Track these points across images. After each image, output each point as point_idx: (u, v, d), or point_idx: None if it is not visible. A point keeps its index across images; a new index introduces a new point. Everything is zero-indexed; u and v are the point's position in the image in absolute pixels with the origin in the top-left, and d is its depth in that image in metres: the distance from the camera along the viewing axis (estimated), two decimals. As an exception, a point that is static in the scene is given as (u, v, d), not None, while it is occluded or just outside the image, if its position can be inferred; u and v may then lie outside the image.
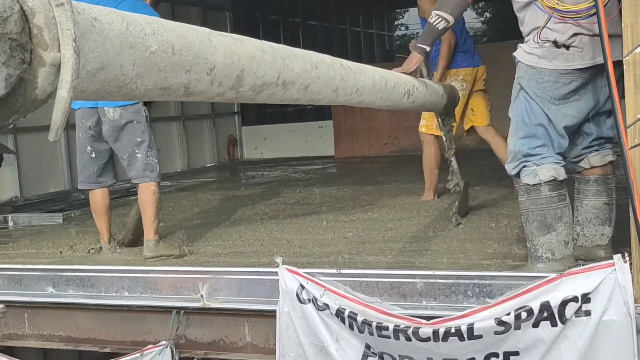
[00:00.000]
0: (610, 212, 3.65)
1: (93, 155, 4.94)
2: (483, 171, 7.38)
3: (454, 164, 5.17)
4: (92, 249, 5.10)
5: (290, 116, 13.26)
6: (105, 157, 4.95)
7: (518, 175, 3.57)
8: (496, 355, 3.26)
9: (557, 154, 3.52)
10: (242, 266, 4.18)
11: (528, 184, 3.50)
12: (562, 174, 3.50)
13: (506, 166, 3.63)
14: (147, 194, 4.74)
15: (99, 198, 4.98)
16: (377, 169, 9.24)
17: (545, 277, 3.18)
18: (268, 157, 11.59)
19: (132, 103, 4.66)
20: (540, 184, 3.46)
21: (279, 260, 3.71)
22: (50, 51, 1.22)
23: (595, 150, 3.64)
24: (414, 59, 3.95)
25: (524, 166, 3.52)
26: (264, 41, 2.04)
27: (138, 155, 4.75)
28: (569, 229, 3.51)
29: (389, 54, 21.27)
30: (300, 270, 3.68)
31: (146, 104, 4.81)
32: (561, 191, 3.50)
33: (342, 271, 3.68)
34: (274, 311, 3.72)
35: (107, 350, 4.37)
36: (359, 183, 7.58)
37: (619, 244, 3.57)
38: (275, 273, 3.71)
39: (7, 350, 4.73)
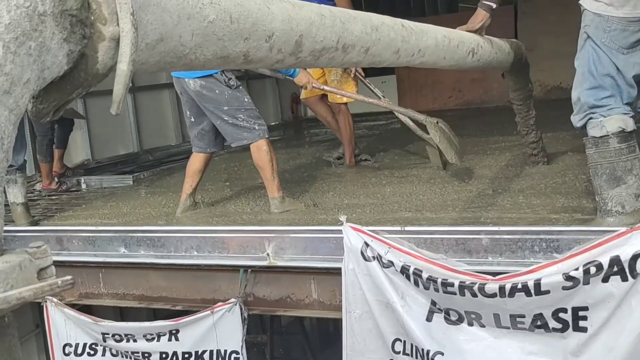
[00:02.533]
0: None
1: (192, 120, 5.02)
2: (551, 122, 7.20)
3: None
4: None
5: (353, 71, 13.14)
6: (203, 122, 4.98)
7: (584, 127, 3.48)
8: (564, 310, 3.23)
9: (626, 104, 3.42)
10: (307, 225, 4.21)
11: (595, 136, 3.41)
12: (630, 125, 3.39)
13: (572, 118, 3.54)
14: (259, 154, 4.76)
15: (192, 159, 5.09)
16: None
17: (615, 231, 3.12)
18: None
19: (212, 73, 4.64)
20: (609, 135, 3.37)
21: (343, 218, 3.73)
22: (110, 25, 1.24)
23: None
24: (479, 16, 3.86)
25: (591, 118, 3.42)
26: (322, 5, 2.02)
27: (229, 121, 4.77)
28: (639, 182, 3.42)
29: (452, 5, 20.76)
30: (364, 228, 3.70)
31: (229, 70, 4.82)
32: (630, 142, 3.39)
33: (406, 228, 3.68)
34: (339, 269, 3.76)
35: (178, 308, 4.50)
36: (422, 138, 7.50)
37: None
38: (340, 231, 3.73)
39: (85, 309, 4.93)
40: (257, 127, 4.77)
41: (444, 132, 4.94)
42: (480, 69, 4.38)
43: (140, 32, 1.31)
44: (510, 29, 10.14)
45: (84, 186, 7.04)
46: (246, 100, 4.85)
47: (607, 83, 3.39)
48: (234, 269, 4.21)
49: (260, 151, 4.75)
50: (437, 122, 4.97)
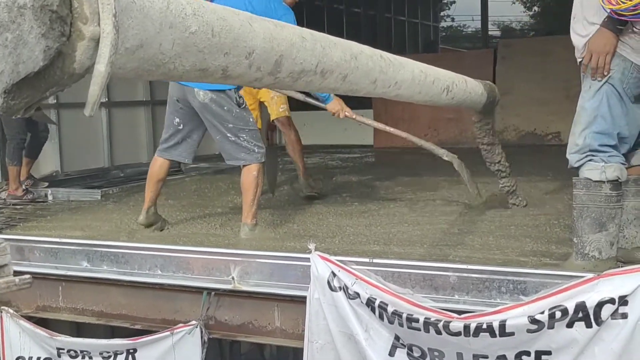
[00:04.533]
0: None
1: (180, 127, 4.85)
2: (524, 167, 7.27)
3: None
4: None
5: (331, 103, 13.22)
6: (192, 132, 4.86)
7: (579, 167, 3.46)
8: (528, 353, 3.21)
9: (623, 154, 3.44)
10: (274, 251, 4.17)
11: (590, 179, 3.39)
12: (624, 176, 3.40)
13: (569, 156, 3.48)
14: (246, 177, 4.69)
15: (156, 165, 4.94)
16: (416, 160, 9.15)
17: (583, 277, 3.12)
18: (306, 144, 11.45)
19: (225, 88, 4.56)
20: (604, 181, 3.36)
21: (311, 246, 3.70)
22: (90, 25, 1.21)
23: (633, 149, 3.55)
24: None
25: (590, 160, 3.41)
26: (304, 28, 2.02)
27: (231, 138, 4.68)
28: (617, 231, 3.43)
29: (432, 45, 21.06)
30: (333, 258, 3.66)
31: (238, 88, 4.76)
32: (619, 192, 3.40)
33: (375, 260, 3.66)
34: (304, 297, 3.72)
35: (138, 327, 4.42)
36: (397, 174, 7.53)
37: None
38: (307, 259, 3.69)
39: (41, 322, 4.81)
40: (256, 150, 4.70)
41: (462, 167, 5.49)
42: (454, 107, 4.41)
43: (121, 35, 1.28)
44: (488, 72, 10.26)
45: (50, 198, 6.93)
46: (251, 120, 4.81)
47: (615, 131, 3.39)
48: (198, 290, 4.15)
49: (250, 175, 4.68)
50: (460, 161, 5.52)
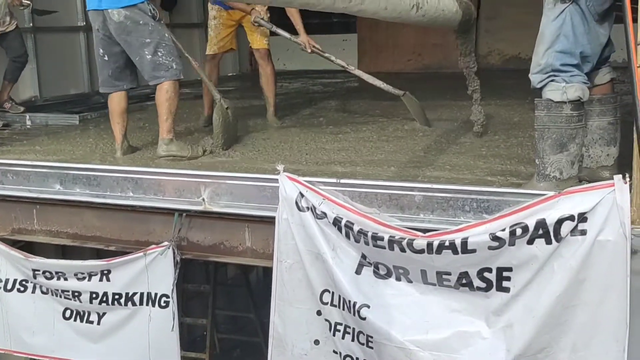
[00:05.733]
0: (615, 132, 3.57)
1: (106, 58, 4.95)
2: (505, 90, 7.24)
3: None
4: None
5: (315, 28, 12.99)
6: (119, 61, 4.93)
7: (542, 88, 3.44)
8: (489, 270, 3.26)
9: (585, 73, 3.40)
10: (245, 172, 4.18)
11: (552, 100, 3.37)
12: (586, 95, 3.38)
13: (531, 76, 3.45)
14: (160, 93, 4.76)
15: (114, 101, 5.03)
16: (398, 84, 9.09)
17: (544, 194, 3.15)
18: (290, 69, 11.44)
19: (136, 2, 4.61)
20: (565, 102, 3.34)
21: (280, 167, 3.71)
22: None
23: (596, 69, 3.53)
24: None
25: (552, 80, 3.37)
26: None
27: (148, 56, 4.72)
28: (578, 150, 3.44)
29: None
30: (300, 179, 3.68)
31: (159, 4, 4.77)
32: (581, 112, 3.39)
33: (342, 181, 3.67)
34: (274, 218, 3.75)
35: (111, 248, 4.45)
36: (376, 98, 7.46)
37: (626, 165, 3.50)
38: (276, 180, 3.71)
39: (27, 247, 4.84)
40: (174, 66, 4.77)
41: (411, 101, 5.75)
42: (427, 25, 4.35)
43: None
44: (473, -4, 10.10)
45: (28, 123, 6.88)
46: (166, 35, 4.82)
47: (577, 50, 3.35)
48: (169, 212, 4.17)
49: (162, 91, 4.75)
50: (404, 94, 5.81)
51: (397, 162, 4.37)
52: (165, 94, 4.73)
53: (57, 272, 4.48)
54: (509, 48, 10.37)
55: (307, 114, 6.61)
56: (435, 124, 5.71)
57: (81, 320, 4.54)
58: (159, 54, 4.71)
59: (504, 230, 3.14)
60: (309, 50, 5.83)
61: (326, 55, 6.05)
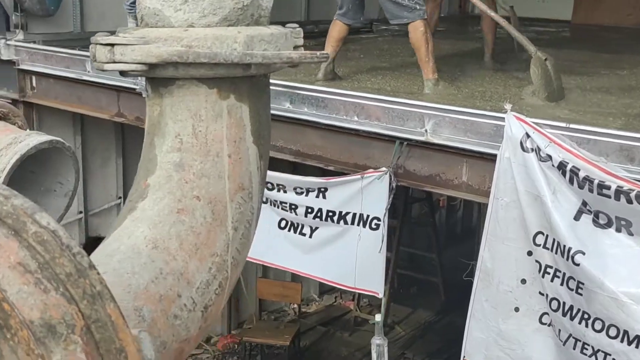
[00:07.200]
0: None
1: None
2: None
3: None
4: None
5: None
6: None
7: None
8: None
9: None
10: (470, 107, 4.24)
11: None
12: None
13: None
14: (414, 34, 4.83)
15: (336, 28, 5.19)
16: (617, 38, 8.70)
17: None
18: (501, 14, 11.22)
19: None
20: None
21: (507, 106, 3.74)
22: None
23: None
24: None
25: None
26: None
27: None
28: None
29: None
30: (528, 119, 3.70)
31: None
32: None
33: (571, 126, 3.65)
34: (494, 155, 3.81)
35: (330, 168, 4.70)
36: (594, 49, 7.23)
37: None
38: (502, 118, 3.76)
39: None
40: (418, 7, 4.80)
41: (546, 70, 4.60)
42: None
43: None
44: None
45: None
46: None
47: None
48: (390, 139, 4.33)
49: (417, 31, 4.79)
50: (545, 59, 4.62)
51: (627, 113, 4.25)
52: (421, 34, 4.77)
53: (278, 185, 4.82)
54: None
55: (522, 60, 6.49)
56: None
57: (295, 232, 4.88)
58: None
59: None
60: None
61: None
